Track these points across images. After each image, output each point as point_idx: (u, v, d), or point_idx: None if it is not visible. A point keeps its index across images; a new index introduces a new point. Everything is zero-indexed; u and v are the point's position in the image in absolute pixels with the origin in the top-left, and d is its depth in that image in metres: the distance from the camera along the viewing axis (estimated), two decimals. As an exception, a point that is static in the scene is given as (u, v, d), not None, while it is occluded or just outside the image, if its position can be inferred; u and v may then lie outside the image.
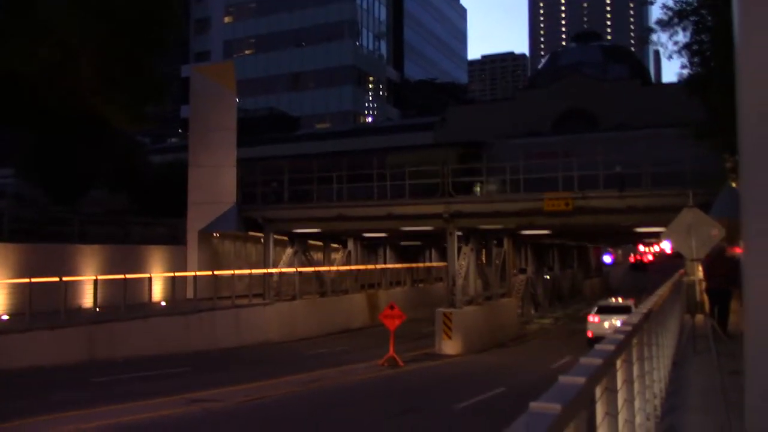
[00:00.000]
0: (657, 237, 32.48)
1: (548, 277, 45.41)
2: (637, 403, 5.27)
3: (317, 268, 35.26)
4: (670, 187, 23.65)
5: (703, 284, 17.89)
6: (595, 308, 27.87)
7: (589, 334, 25.84)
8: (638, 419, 5.36)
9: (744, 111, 1.15)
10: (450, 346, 26.87)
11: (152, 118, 32.80)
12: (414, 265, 47.09)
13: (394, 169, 30.79)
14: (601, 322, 25.78)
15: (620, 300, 30.68)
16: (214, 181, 31.75)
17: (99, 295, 23.17)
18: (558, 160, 27.23)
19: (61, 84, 26.07)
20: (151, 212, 33.35)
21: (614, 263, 74.27)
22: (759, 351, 1.09)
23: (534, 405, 2.18)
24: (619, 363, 4.35)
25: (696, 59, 20.17)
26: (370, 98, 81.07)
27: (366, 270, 39.43)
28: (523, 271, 41.82)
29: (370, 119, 78.77)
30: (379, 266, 42.67)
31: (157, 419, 13.28)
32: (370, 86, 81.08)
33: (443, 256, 38.64)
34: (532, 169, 27.12)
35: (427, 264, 50.45)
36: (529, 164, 27.59)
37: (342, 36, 76.35)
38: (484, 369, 23.37)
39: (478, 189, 30.81)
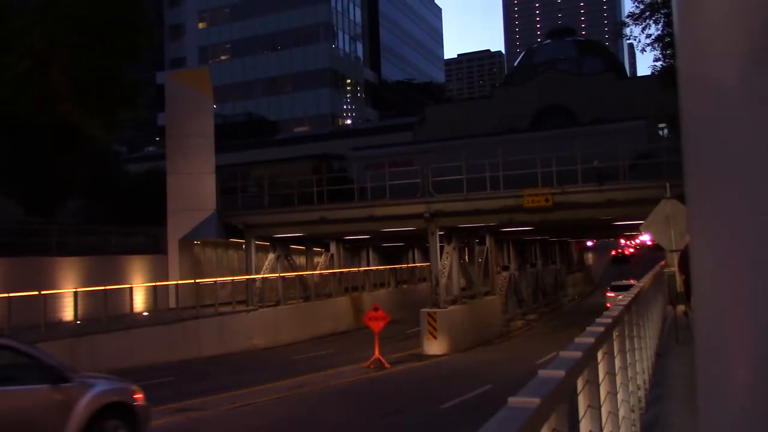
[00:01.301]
0: (637, 229, 33.09)
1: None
2: (620, 395, 5.28)
3: (300, 273, 35.13)
4: (648, 180, 23.82)
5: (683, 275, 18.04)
6: (610, 287, 37.20)
7: (608, 305, 29.87)
8: (622, 411, 5.37)
9: (685, 101, 1.13)
10: (435, 346, 26.89)
11: (127, 125, 32.38)
12: (397, 266, 47.10)
13: (259, 180, 35.33)
14: (616, 296, 29.41)
15: (629, 281, 36.13)
16: (193, 188, 31.50)
17: (79, 307, 22.93)
18: (537, 156, 27.28)
19: (33, 93, 25.75)
20: (130, 221, 33.01)
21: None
22: (707, 347, 1.07)
23: (512, 399, 2.15)
24: (600, 355, 4.35)
25: (668, 51, 20.38)
26: (348, 100, 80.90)
27: (349, 273, 39.36)
28: (506, 268, 41.95)
29: (348, 121, 78.61)
30: (362, 268, 42.63)
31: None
32: (348, 88, 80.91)
33: (426, 256, 38.64)
34: (376, 177, 30.89)
35: (411, 265, 50.47)
36: (375, 174, 31.32)
37: (318, 39, 76.12)
38: (469, 368, 23.41)
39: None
